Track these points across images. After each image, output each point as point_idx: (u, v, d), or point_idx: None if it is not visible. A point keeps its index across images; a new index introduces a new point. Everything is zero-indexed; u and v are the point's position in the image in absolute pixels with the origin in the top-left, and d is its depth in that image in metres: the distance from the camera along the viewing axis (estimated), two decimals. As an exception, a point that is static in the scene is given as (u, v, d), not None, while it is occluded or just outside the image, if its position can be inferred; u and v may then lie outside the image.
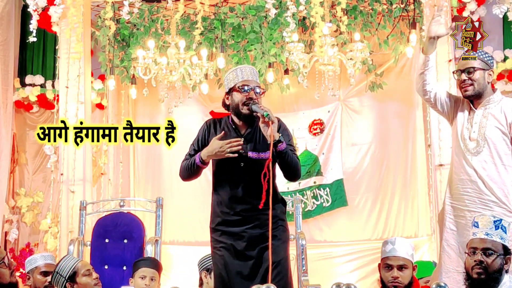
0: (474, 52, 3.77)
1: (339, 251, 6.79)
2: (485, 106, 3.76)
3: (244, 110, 3.41)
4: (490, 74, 3.78)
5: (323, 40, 5.49)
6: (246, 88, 3.42)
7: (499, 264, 3.19)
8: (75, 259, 3.86)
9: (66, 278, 3.72)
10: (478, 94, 3.76)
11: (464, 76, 3.74)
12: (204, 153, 3.39)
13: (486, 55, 3.80)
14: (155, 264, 4.33)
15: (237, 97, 3.43)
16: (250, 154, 3.41)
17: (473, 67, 3.73)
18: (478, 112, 3.76)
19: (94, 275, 3.81)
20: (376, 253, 3.77)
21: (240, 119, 3.47)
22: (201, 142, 3.54)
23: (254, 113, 3.36)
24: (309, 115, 7.06)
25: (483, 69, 3.75)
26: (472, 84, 3.74)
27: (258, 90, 3.44)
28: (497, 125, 3.71)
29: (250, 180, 3.39)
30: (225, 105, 3.54)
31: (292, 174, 3.44)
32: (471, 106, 3.82)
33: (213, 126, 3.55)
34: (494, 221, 3.24)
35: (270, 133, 3.25)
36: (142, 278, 4.18)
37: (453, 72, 3.91)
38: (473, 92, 3.74)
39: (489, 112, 3.74)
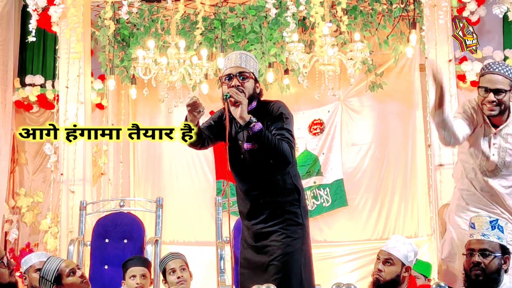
0: (501, 68, 3.55)
1: (339, 251, 6.79)
2: (505, 127, 3.61)
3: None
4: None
5: (323, 40, 5.49)
6: (228, 78, 3.30)
7: (496, 264, 3.19)
8: (57, 261, 3.74)
9: (52, 281, 3.66)
10: (501, 114, 3.59)
11: (492, 97, 3.52)
12: None
13: (509, 73, 3.57)
14: (143, 261, 4.37)
15: (224, 88, 3.31)
16: (245, 145, 3.31)
17: (505, 90, 3.52)
18: (498, 133, 3.61)
19: (79, 272, 3.71)
20: (376, 253, 3.78)
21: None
22: (214, 119, 3.45)
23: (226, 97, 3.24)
24: (309, 115, 7.06)
25: (510, 90, 3.56)
26: (499, 105, 3.54)
27: (242, 76, 3.29)
28: None
29: (250, 172, 3.30)
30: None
31: (274, 157, 3.17)
32: (489, 124, 3.63)
33: (219, 117, 3.44)
34: (490, 221, 3.24)
35: (240, 113, 3.13)
36: (132, 277, 4.21)
37: (478, 87, 3.63)
38: (498, 113, 3.57)
39: (507, 133, 3.61)
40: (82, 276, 3.70)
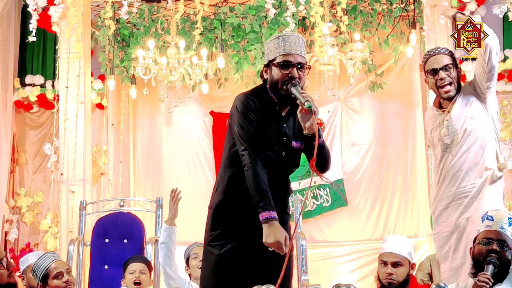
0: (439, 49, 3.69)
1: (339, 251, 6.80)
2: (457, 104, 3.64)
3: (283, 90, 2.94)
4: (459, 72, 3.68)
5: (323, 40, 5.49)
6: (287, 64, 2.93)
7: (509, 258, 3.19)
8: (50, 259, 3.70)
9: (40, 278, 3.62)
10: (456, 94, 3.62)
11: (443, 74, 3.58)
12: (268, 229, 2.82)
13: (448, 51, 3.69)
14: (143, 259, 4.46)
15: (276, 74, 2.95)
16: (293, 143, 3.01)
17: (450, 64, 3.60)
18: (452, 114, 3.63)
19: (65, 277, 3.66)
20: (376, 253, 3.78)
21: (278, 98, 2.99)
22: (255, 122, 2.95)
23: (293, 96, 2.90)
24: (309, 115, 7.06)
25: (455, 67, 3.65)
26: (452, 83, 3.61)
27: (301, 66, 2.94)
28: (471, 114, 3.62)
29: (283, 172, 3.06)
30: (263, 79, 3.08)
31: (326, 167, 3.03)
32: (441, 108, 3.70)
33: (258, 104, 2.97)
34: (509, 218, 3.25)
35: (312, 124, 2.81)
36: (131, 273, 4.24)
37: (427, 72, 3.69)
38: (454, 92, 3.61)
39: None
40: (67, 281, 3.64)
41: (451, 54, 3.69)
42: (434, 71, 3.63)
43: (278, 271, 2.94)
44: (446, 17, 3.94)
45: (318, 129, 2.86)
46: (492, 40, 3.50)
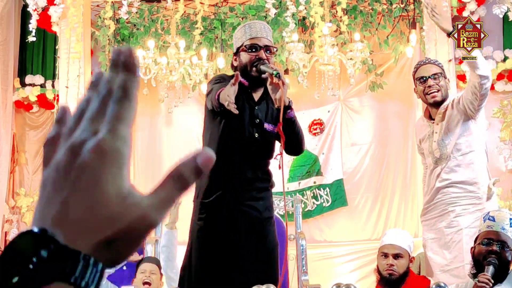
0: (429, 60, 3.88)
1: (339, 251, 6.80)
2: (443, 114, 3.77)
3: (253, 72, 2.99)
4: (447, 82, 3.82)
5: (323, 40, 5.49)
6: (254, 47, 2.99)
7: (509, 259, 3.20)
8: None
9: None
10: (442, 101, 3.75)
11: (431, 82, 3.71)
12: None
13: (437, 62, 3.87)
14: (156, 260, 4.46)
15: (245, 57, 3.00)
16: (266, 126, 3.03)
17: (439, 73, 3.74)
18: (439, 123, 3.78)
19: None
20: (376, 253, 3.78)
21: (250, 83, 3.04)
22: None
23: (263, 75, 2.93)
24: (309, 115, 7.06)
25: (444, 76, 3.79)
26: (439, 90, 3.73)
27: (268, 50, 3.01)
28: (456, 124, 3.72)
29: (259, 157, 3.05)
30: (233, 68, 3.13)
31: (298, 146, 3.05)
32: (431, 119, 3.84)
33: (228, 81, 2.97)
34: (510, 218, 3.26)
35: (281, 95, 2.81)
36: (142, 273, 4.27)
37: (416, 80, 3.81)
38: (441, 98, 3.73)
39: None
40: None
41: (441, 65, 3.84)
42: (423, 79, 3.75)
43: (266, 258, 3.02)
44: (438, 27, 3.97)
45: (290, 103, 2.90)
46: (487, 74, 3.56)
